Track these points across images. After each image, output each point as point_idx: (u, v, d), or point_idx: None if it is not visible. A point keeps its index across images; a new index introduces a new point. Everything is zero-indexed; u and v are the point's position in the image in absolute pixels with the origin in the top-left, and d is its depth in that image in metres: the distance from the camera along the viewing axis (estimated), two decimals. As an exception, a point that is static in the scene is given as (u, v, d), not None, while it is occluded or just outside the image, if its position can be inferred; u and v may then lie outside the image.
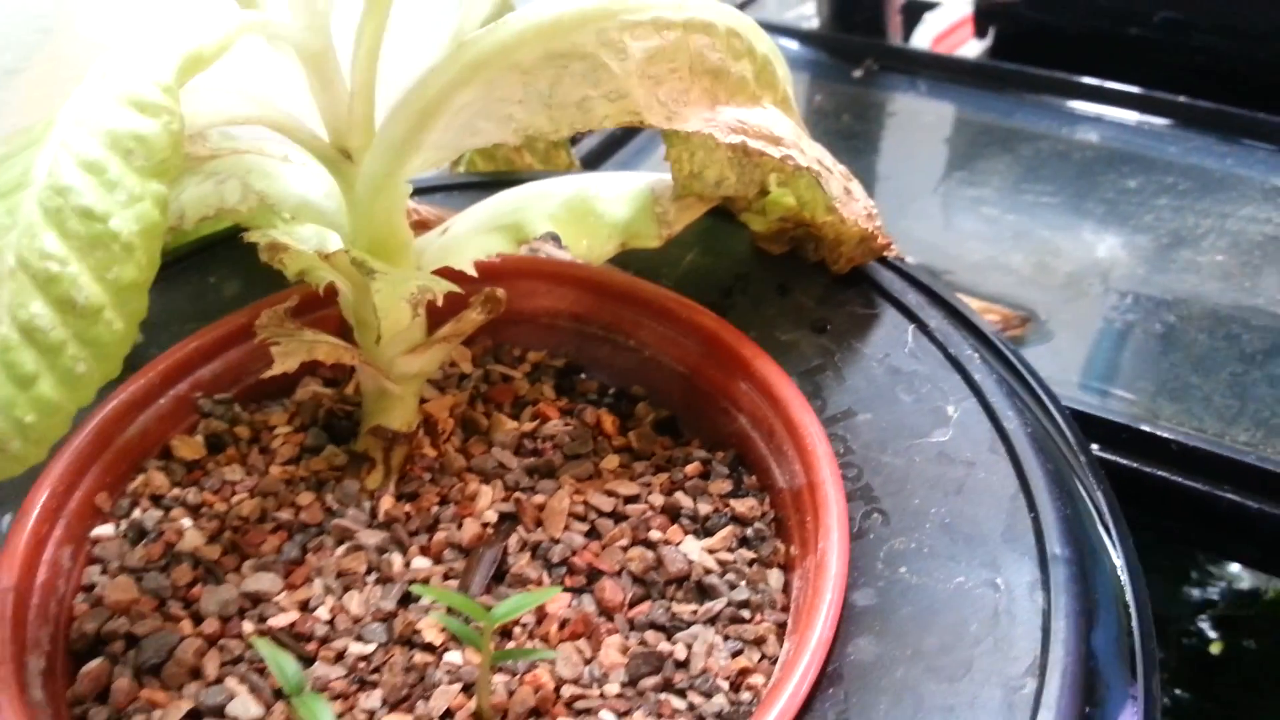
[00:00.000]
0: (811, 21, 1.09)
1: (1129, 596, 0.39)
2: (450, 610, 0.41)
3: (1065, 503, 0.40)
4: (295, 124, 0.42)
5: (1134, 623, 0.39)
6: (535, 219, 0.48)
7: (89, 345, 0.31)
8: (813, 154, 0.45)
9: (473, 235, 0.48)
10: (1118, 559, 0.40)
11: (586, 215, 0.48)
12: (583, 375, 0.54)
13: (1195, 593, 0.73)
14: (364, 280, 0.43)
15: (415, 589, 0.41)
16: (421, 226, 0.51)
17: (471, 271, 0.46)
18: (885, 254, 0.53)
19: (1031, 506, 0.40)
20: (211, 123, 0.40)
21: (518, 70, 0.40)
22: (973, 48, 1.04)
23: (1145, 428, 0.54)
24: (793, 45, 0.96)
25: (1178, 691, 0.69)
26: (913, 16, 1.09)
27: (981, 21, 1.02)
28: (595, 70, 0.40)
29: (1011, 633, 0.36)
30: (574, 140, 0.80)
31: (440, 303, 0.44)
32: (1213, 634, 0.72)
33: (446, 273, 0.45)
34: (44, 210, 0.31)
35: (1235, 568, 0.73)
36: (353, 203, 0.44)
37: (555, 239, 0.56)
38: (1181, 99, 0.83)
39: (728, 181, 0.49)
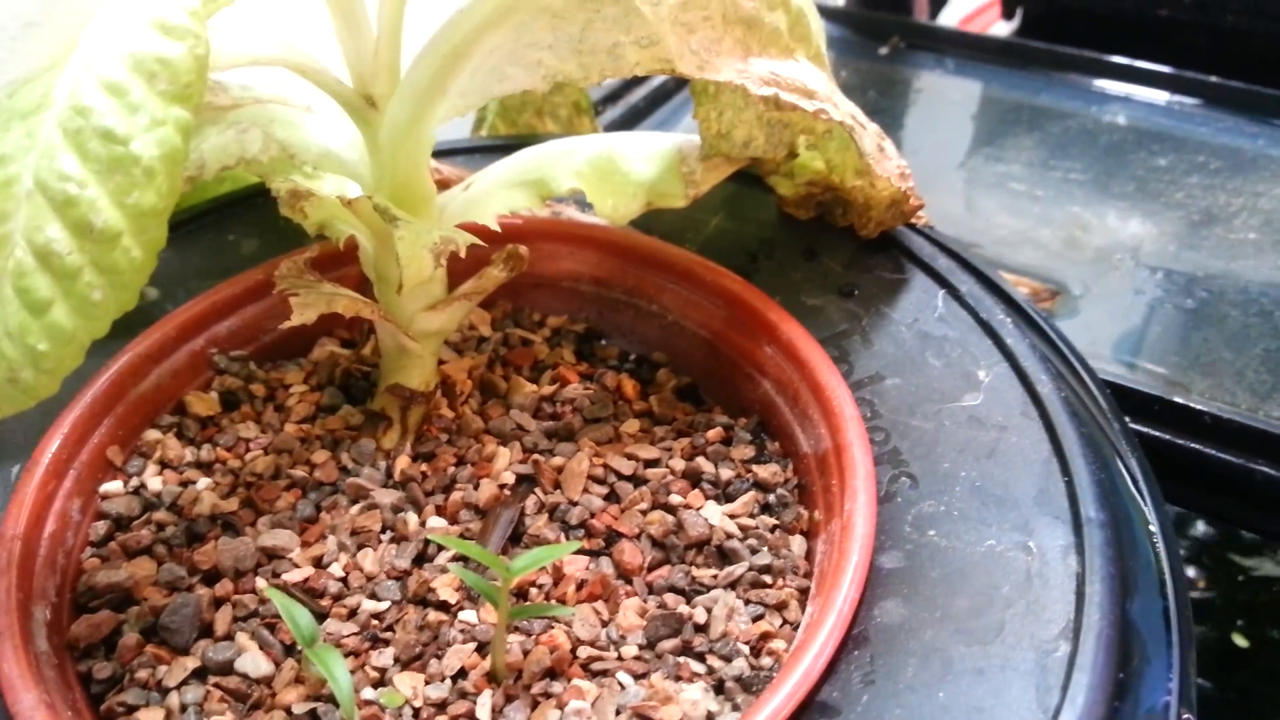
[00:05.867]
0: None
1: (1164, 564, 0.38)
2: (468, 565, 0.41)
3: (1099, 467, 0.39)
4: (319, 68, 0.42)
5: (1169, 589, 0.38)
6: (560, 175, 0.47)
7: (106, 272, 0.30)
8: (846, 109, 0.44)
9: (496, 190, 0.47)
10: (1153, 525, 0.39)
11: (612, 174, 0.47)
12: (603, 341, 0.54)
13: (1220, 584, 0.72)
14: (386, 230, 0.42)
15: (435, 539, 0.40)
16: (443, 186, 0.50)
17: (495, 226, 0.46)
18: (914, 220, 0.52)
19: (1065, 471, 0.39)
20: (234, 62, 0.39)
21: (548, 13, 0.39)
22: (1000, 30, 1.03)
23: (1178, 399, 0.53)
24: (818, 23, 0.95)
25: (1199, 680, 0.68)
26: (940, -1, 1.07)
27: (1009, 2, 1.01)
28: (627, 15, 0.39)
29: (1044, 596, 0.35)
30: (596, 112, 0.80)
31: (463, 254, 0.43)
32: (1238, 623, 0.70)
33: (469, 227, 0.45)
34: (64, 131, 0.30)
35: (1258, 557, 0.72)
36: (375, 151, 0.44)
37: (578, 202, 0.56)
38: (1212, 79, 0.82)
39: (756, 142, 0.48)
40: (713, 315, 0.50)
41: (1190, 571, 0.72)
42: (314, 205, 0.44)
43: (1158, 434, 0.54)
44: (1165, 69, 0.83)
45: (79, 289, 0.30)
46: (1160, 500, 0.41)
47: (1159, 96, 0.83)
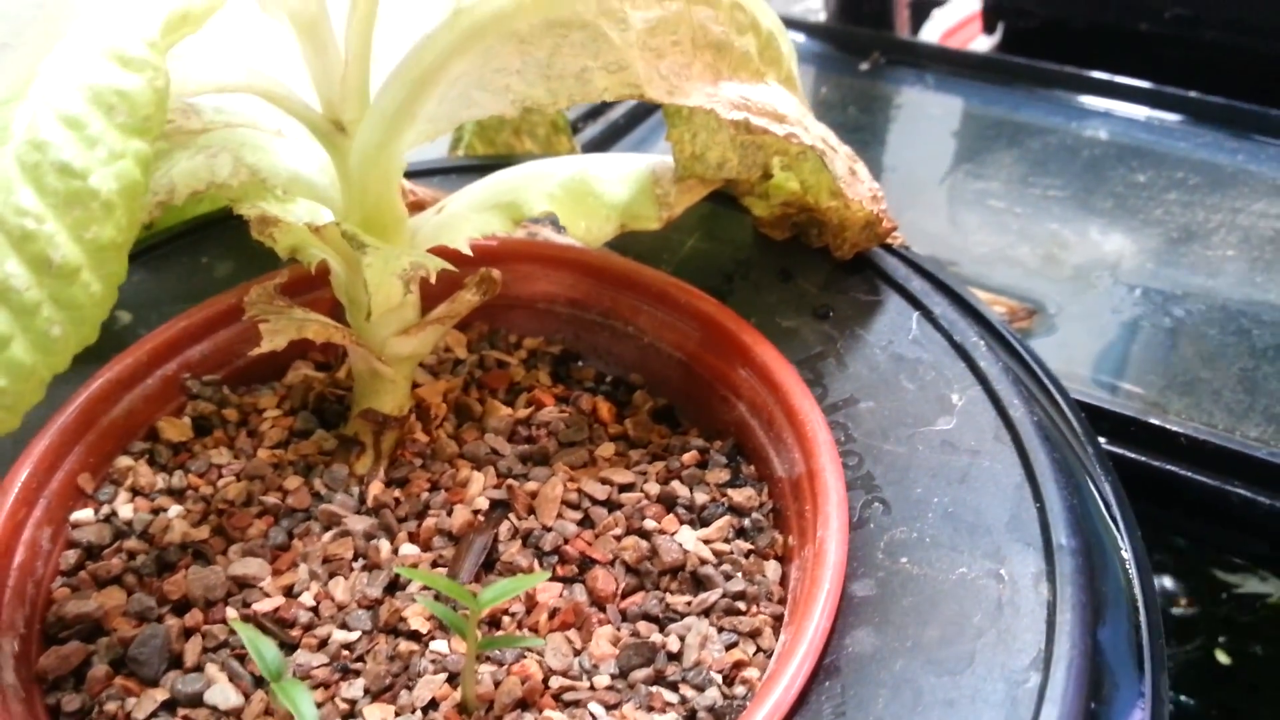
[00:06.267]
0: (819, 15, 1.08)
1: (1137, 590, 0.38)
2: (438, 596, 0.40)
3: (1072, 493, 0.39)
4: (288, 93, 0.41)
5: (1142, 618, 0.37)
6: (532, 198, 0.47)
7: (65, 307, 0.30)
8: (817, 132, 0.44)
9: (468, 213, 0.47)
10: (1126, 552, 0.39)
11: (585, 196, 0.47)
12: (579, 362, 0.53)
13: (1204, 601, 0.71)
14: (355, 255, 0.42)
15: (401, 571, 0.40)
16: (418, 208, 0.50)
17: (466, 250, 0.45)
18: (890, 241, 0.51)
19: (1037, 496, 0.39)
20: (200, 89, 0.38)
21: (516, 39, 0.39)
22: (981, 44, 1.03)
23: (1154, 421, 0.53)
24: (799, 38, 0.95)
25: (1182, 697, 0.68)
26: (921, 13, 1.07)
27: (990, 17, 1.01)
28: (595, 40, 0.39)
29: (1015, 625, 0.35)
30: (575, 129, 0.80)
31: (434, 280, 0.43)
32: (1219, 639, 0.70)
33: (441, 251, 0.44)
34: (21, 165, 0.30)
35: (1242, 573, 0.72)
36: (345, 176, 0.43)
37: (553, 223, 0.56)
38: (1192, 94, 0.82)
39: (730, 164, 0.48)
40: (688, 337, 0.50)
41: (1172, 588, 0.72)
42: (282, 230, 0.44)
43: (1134, 456, 0.54)
44: (1145, 84, 0.84)
45: (38, 324, 0.30)
46: (1134, 524, 0.41)
47: (1139, 112, 0.83)
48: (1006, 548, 0.38)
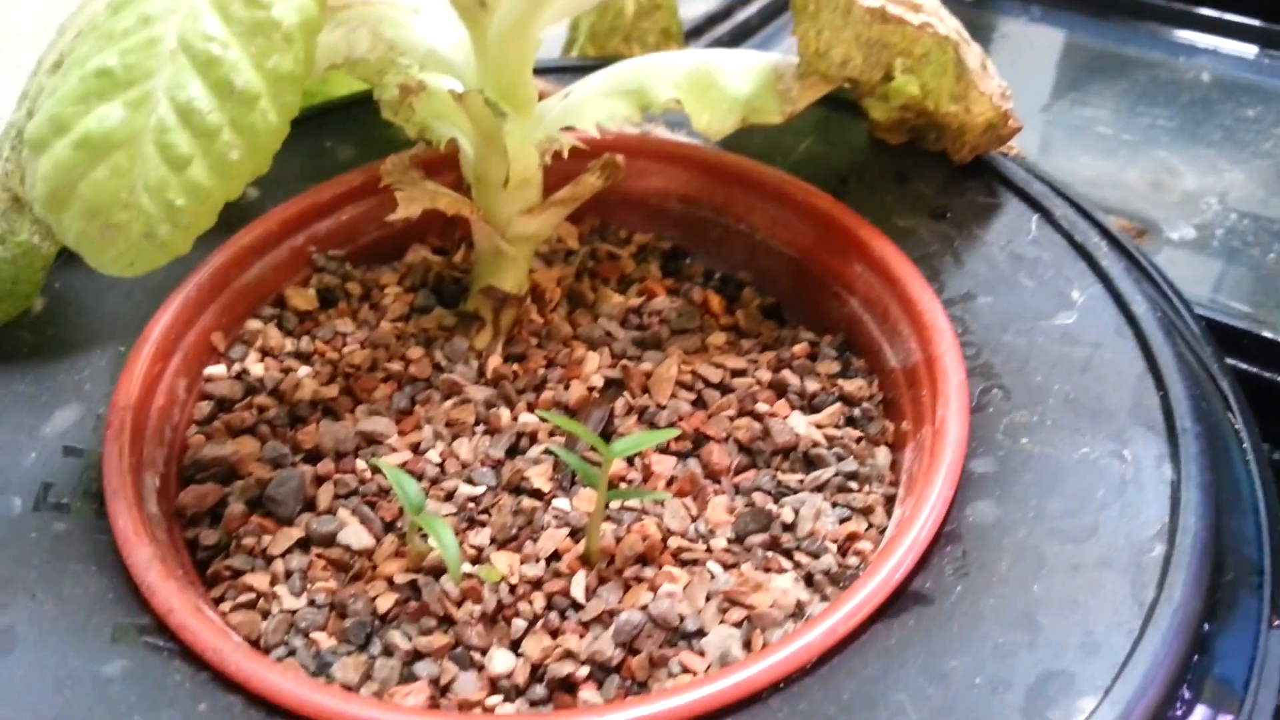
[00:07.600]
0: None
1: (1257, 482, 0.38)
2: (561, 455, 0.41)
3: (1194, 385, 0.39)
4: (432, -36, 0.42)
5: (1261, 507, 0.38)
6: (659, 85, 0.47)
7: (243, 133, 0.31)
8: (951, 24, 0.44)
9: (595, 99, 0.47)
10: (1245, 444, 0.39)
11: (709, 88, 0.47)
12: (689, 259, 0.54)
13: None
14: (493, 127, 0.43)
15: (539, 414, 0.41)
16: (540, 97, 0.51)
17: (594, 133, 0.46)
18: (1007, 151, 0.51)
19: (1160, 386, 0.39)
20: (355, -49, 0.39)
21: (662, -89, 0.39)
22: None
23: (1268, 334, 0.53)
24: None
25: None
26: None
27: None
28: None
29: (1139, 500, 0.36)
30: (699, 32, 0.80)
31: (565, 154, 0.44)
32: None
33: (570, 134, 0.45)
34: (208, -7, 0.31)
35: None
36: (482, 53, 0.44)
37: (666, 122, 0.56)
38: (1302, 32, 0.80)
39: (853, 62, 0.48)
40: (801, 234, 0.50)
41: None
42: (422, 102, 0.45)
43: (1246, 367, 0.54)
44: (1254, 21, 0.82)
45: (218, 148, 0.31)
46: (1253, 426, 0.41)
47: (1247, 50, 0.81)
48: (1129, 431, 0.38)
